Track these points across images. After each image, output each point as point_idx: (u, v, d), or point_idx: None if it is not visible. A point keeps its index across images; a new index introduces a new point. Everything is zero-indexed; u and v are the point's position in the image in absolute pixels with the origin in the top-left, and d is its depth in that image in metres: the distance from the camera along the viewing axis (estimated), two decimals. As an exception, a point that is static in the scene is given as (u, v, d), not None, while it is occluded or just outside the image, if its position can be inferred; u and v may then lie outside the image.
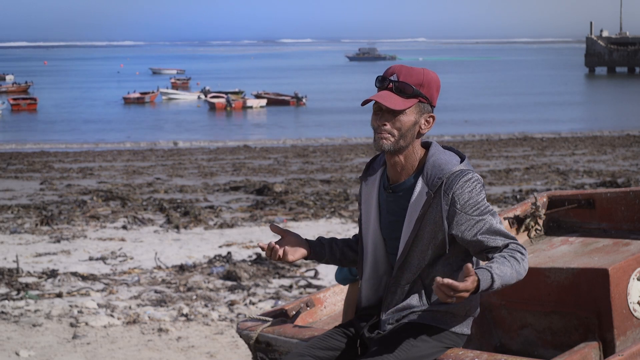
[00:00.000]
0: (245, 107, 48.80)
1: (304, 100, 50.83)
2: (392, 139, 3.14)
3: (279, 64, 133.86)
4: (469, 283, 2.87)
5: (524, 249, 3.10)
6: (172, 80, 74.25)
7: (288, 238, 3.28)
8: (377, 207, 3.28)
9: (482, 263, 3.23)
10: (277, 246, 3.25)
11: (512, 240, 3.11)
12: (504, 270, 2.98)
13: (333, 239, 3.42)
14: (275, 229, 3.27)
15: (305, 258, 3.32)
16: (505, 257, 3.03)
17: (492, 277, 2.94)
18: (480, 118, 40.10)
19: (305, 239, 3.33)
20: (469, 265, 2.89)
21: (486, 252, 3.11)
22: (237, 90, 55.86)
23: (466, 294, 2.89)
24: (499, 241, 3.10)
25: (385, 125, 3.14)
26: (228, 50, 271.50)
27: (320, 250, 3.37)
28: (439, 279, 2.86)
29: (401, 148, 3.16)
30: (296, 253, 3.28)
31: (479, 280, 2.91)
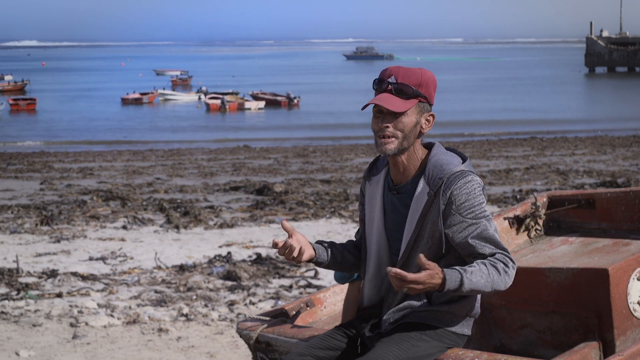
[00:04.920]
0: (243, 109, 48.69)
1: (296, 100, 50.71)
2: (396, 142, 3.15)
3: (278, 64, 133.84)
4: (421, 275, 2.90)
5: (512, 262, 3.09)
6: (173, 79, 74.32)
7: (298, 237, 3.24)
8: (382, 208, 3.28)
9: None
10: (294, 245, 3.20)
11: (500, 251, 3.10)
12: (477, 276, 3.00)
13: (332, 243, 3.41)
14: (286, 226, 3.21)
15: (310, 260, 3.30)
16: (485, 265, 3.04)
17: (461, 280, 2.97)
18: (480, 119, 40.14)
19: (309, 241, 3.32)
20: (422, 256, 2.91)
21: (473, 258, 3.11)
22: (231, 91, 55.76)
23: (419, 287, 2.92)
24: (487, 249, 3.09)
25: (387, 127, 3.14)
26: (247, 50, 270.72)
27: (323, 253, 3.35)
28: (390, 268, 2.90)
29: (404, 149, 3.17)
30: (306, 253, 3.25)
31: (444, 278, 2.94)
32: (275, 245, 3.20)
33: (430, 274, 2.92)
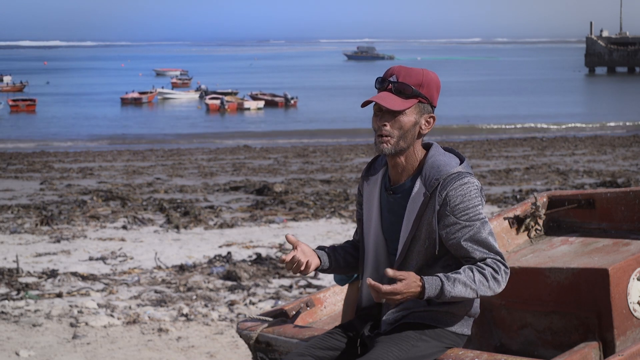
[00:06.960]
0: (242, 109, 48.66)
1: (292, 101, 50.63)
2: (393, 141, 3.14)
3: (277, 64, 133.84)
4: (397, 286, 2.94)
5: (505, 266, 3.09)
6: (173, 80, 74.39)
7: (303, 248, 3.24)
8: (379, 208, 3.28)
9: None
10: (301, 259, 3.20)
11: (492, 255, 3.09)
12: (459, 284, 3.01)
13: (333, 247, 3.41)
14: (291, 239, 3.22)
15: (315, 269, 3.30)
16: (472, 270, 3.05)
17: (442, 288, 2.99)
18: (481, 118, 40.15)
19: (312, 249, 3.31)
20: (389, 270, 2.95)
21: (465, 261, 3.12)
22: (230, 90, 55.67)
23: (397, 297, 2.96)
24: (478, 253, 3.09)
25: (385, 125, 3.14)
26: (252, 50, 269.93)
27: (327, 259, 3.35)
28: (368, 279, 2.94)
29: (402, 149, 3.17)
30: (312, 264, 3.26)
31: (424, 286, 2.97)
32: (282, 261, 3.20)
33: (406, 283, 2.96)
